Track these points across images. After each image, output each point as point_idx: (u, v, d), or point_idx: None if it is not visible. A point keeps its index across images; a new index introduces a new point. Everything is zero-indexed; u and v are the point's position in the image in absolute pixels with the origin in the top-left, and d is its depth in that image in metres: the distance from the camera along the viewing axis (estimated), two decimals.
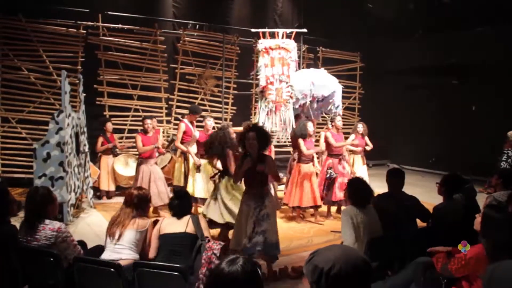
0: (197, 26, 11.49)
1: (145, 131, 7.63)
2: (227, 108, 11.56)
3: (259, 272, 1.86)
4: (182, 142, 7.68)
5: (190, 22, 11.37)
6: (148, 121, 7.74)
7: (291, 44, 7.83)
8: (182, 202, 4.25)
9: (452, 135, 12.24)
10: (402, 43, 13.54)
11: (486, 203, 4.42)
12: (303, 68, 11.45)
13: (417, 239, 4.28)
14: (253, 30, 8.89)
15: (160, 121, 10.48)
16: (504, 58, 11.03)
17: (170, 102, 10.97)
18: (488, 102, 11.57)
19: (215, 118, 9.29)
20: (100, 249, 4.04)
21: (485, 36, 11.56)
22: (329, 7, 12.72)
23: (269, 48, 7.70)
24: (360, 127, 8.64)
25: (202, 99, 11.40)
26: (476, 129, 11.60)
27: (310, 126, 7.51)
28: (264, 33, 8.05)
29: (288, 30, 8.10)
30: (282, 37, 7.89)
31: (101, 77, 10.03)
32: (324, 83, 8.06)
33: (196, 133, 7.68)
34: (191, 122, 8.08)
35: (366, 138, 8.75)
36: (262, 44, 7.81)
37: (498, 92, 11.26)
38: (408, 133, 13.76)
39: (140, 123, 8.20)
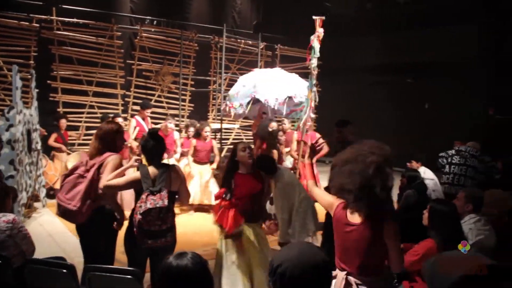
0: (155, 21, 11.40)
1: None
2: (184, 105, 11.52)
3: (208, 266, 1.89)
4: (135, 139, 7.65)
5: (148, 17, 11.26)
6: (119, 119, 7.52)
7: None
8: (157, 145, 3.84)
9: (407, 132, 12.59)
10: (359, 41, 13.81)
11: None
12: (260, 66, 11.53)
13: None
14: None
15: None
16: (457, 57, 11.44)
17: (126, 99, 10.81)
18: (441, 100, 11.97)
19: (172, 115, 9.25)
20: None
21: (439, 35, 11.94)
22: (288, 5, 12.84)
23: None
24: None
25: (159, 96, 11.30)
26: (430, 126, 11.98)
27: (272, 127, 7.39)
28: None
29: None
30: None
31: (55, 72, 9.78)
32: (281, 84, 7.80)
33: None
34: (144, 118, 8.01)
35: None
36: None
37: (451, 90, 11.69)
38: (365, 130, 14.02)
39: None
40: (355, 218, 2.64)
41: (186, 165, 7.96)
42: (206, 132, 7.78)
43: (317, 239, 5.02)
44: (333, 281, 2.63)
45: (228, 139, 12.32)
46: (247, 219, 4.15)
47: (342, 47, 13.92)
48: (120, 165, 3.91)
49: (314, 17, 7.13)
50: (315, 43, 6.95)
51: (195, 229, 6.86)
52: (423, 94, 12.61)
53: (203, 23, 12.03)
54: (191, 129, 8.31)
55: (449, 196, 5.44)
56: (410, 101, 12.68)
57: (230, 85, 10.45)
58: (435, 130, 11.74)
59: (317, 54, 6.80)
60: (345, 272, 2.63)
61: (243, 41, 12.41)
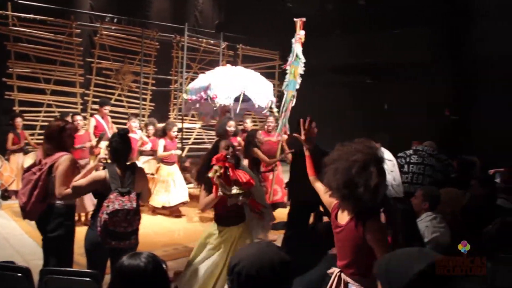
0: (115, 19, 11.23)
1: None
2: (145, 105, 11.40)
3: (164, 267, 1.89)
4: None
5: (108, 15, 11.09)
6: (78, 117, 7.27)
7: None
8: (125, 145, 3.77)
9: (367, 132, 12.83)
10: (320, 42, 13.97)
11: None
12: (222, 65, 11.52)
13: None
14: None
15: None
16: (415, 59, 11.76)
17: (85, 98, 10.61)
18: (400, 101, 12.27)
19: (133, 114, 9.13)
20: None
21: (398, 37, 12.24)
22: (250, 5, 12.87)
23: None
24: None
25: (119, 95, 11.15)
26: (388, 127, 12.26)
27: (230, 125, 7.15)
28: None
29: None
30: None
31: (11, 69, 9.50)
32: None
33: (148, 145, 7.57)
34: (103, 117, 7.89)
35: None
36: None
37: (409, 91, 12.00)
38: (325, 130, 14.22)
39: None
40: (343, 218, 2.67)
41: (158, 167, 7.83)
42: (173, 132, 7.70)
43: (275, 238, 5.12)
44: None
45: (189, 138, 12.26)
46: (229, 221, 3.92)
47: (303, 48, 14.06)
48: (73, 166, 3.85)
49: (294, 19, 7.27)
50: (297, 46, 7.11)
51: (156, 229, 6.84)
52: (382, 94, 12.88)
53: (165, 22, 11.94)
54: (151, 128, 8.25)
55: (408, 195, 5.58)
56: (369, 102, 12.92)
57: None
58: (393, 130, 12.01)
59: (302, 58, 6.99)
60: (338, 269, 2.68)
61: (205, 40, 12.37)
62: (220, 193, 3.69)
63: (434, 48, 11.97)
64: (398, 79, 12.42)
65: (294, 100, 7.06)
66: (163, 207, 7.56)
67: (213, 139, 10.52)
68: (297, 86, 6.99)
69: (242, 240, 3.88)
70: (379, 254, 2.45)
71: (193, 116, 11.53)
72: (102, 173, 3.61)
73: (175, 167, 7.86)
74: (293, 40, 7.10)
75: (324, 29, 13.49)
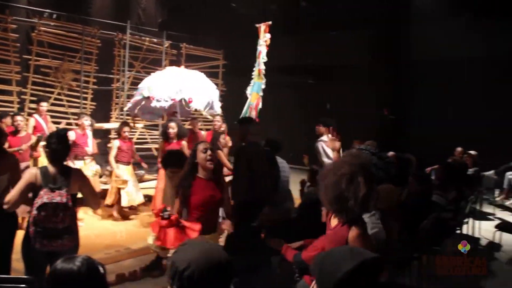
0: (54, 15, 10.90)
1: (15, 131, 6.78)
2: (86, 104, 11.14)
3: (101, 270, 1.85)
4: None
5: (47, 10, 10.75)
6: (19, 118, 6.91)
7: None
8: (63, 146, 3.65)
9: (309, 132, 13.11)
10: None
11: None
12: (165, 65, 11.46)
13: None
14: None
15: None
16: (356, 60, 12.18)
17: (22, 96, 10.20)
18: (341, 101, 12.64)
19: (74, 114, 8.93)
20: None
21: (339, 39, 12.61)
22: (194, 4, 12.85)
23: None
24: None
25: (59, 94, 10.82)
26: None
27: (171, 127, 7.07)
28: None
29: None
30: None
31: None
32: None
33: (72, 133, 7.09)
34: (42, 117, 7.64)
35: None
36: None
37: (350, 91, 12.39)
38: (268, 129, 14.40)
39: None
40: (334, 222, 2.73)
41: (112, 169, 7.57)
42: (125, 131, 7.52)
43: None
44: None
45: (131, 138, 12.05)
46: (201, 232, 3.66)
47: (246, 48, 14.18)
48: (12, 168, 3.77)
49: (257, 25, 7.56)
50: (263, 49, 7.43)
51: (97, 232, 6.72)
52: (324, 95, 13.22)
53: (107, 19, 11.70)
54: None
55: None
56: (312, 102, 13.22)
57: (134, 84, 10.28)
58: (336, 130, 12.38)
59: (265, 59, 7.69)
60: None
61: (147, 39, 12.24)
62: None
63: (372, 51, 12.43)
64: (339, 80, 12.78)
65: (261, 102, 7.72)
66: (131, 207, 7.53)
67: (157, 139, 10.50)
68: (263, 86, 7.68)
69: None
70: None
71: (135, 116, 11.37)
72: (33, 170, 3.52)
73: (130, 167, 7.73)
74: (260, 43, 7.74)
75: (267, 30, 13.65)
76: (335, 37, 12.72)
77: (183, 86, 7.44)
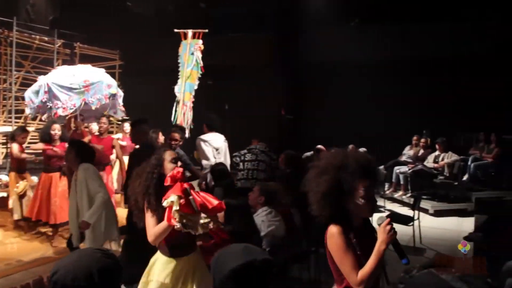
0: None
1: None
2: None
3: None
4: None
5: None
6: None
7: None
8: None
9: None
10: (160, 43, 13.97)
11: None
12: (58, 64, 10.93)
13: None
14: None
15: None
16: (255, 61, 12.43)
17: None
18: (240, 101, 12.83)
19: None
20: None
21: (239, 40, 12.81)
22: (88, 1, 12.37)
23: None
24: (127, 126, 8.53)
25: None
26: (229, 126, 12.75)
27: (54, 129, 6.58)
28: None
29: None
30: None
31: None
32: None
33: None
34: None
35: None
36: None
37: (249, 92, 12.62)
38: (167, 130, 14.30)
39: None
40: None
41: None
42: (23, 138, 6.96)
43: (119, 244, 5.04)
44: None
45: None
46: (181, 252, 3.09)
47: (145, 48, 13.95)
48: None
49: (176, 30, 7.88)
50: (198, 53, 8.49)
51: None
52: (223, 95, 13.34)
53: None
54: None
55: (246, 190, 5.88)
56: (211, 102, 13.26)
57: (23, 84, 9.70)
58: (233, 130, 12.52)
59: (201, 63, 8.57)
60: None
61: (38, 37, 11.55)
62: (177, 224, 2.86)
63: (269, 53, 12.80)
64: (237, 80, 12.98)
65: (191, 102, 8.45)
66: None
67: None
68: (195, 87, 8.50)
69: (198, 272, 3.09)
70: (333, 262, 2.43)
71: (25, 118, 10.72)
72: None
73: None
74: (195, 49, 8.52)
75: (165, 30, 13.51)
76: (233, 39, 12.90)
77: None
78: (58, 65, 10.89)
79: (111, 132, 9.04)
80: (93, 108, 7.38)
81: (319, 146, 8.59)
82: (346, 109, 12.10)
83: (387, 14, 11.69)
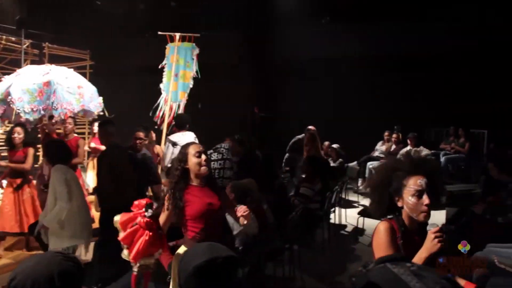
0: None
1: None
2: None
3: None
4: None
5: None
6: None
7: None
8: None
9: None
10: (132, 42, 13.90)
11: None
12: (25, 65, 10.70)
13: None
14: None
15: None
16: (228, 60, 12.47)
17: None
18: (214, 100, 12.82)
19: None
20: None
21: (212, 39, 12.77)
22: (57, 1, 12.17)
23: None
24: (96, 127, 8.35)
25: None
26: (203, 125, 12.74)
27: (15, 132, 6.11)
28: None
29: None
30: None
31: None
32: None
33: None
34: None
35: None
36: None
37: (223, 90, 12.63)
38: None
39: None
40: None
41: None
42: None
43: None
44: None
45: None
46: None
47: (115, 48, 13.81)
48: None
49: (160, 32, 8.00)
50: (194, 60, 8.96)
51: None
52: (196, 94, 13.27)
53: None
54: None
55: None
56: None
57: None
58: (207, 128, 12.51)
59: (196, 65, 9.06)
60: None
61: (4, 37, 11.31)
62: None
63: (241, 50, 12.82)
64: (212, 78, 12.95)
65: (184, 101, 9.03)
66: None
67: None
68: (191, 86, 9.10)
69: None
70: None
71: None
72: None
73: None
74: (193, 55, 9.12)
75: (136, 29, 13.41)
76: (204, 36, 12.87)
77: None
78: (26, 65, 10.66)
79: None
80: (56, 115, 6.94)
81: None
82: (318, 106, 12.20)
83: (357, 12, 11.83)
